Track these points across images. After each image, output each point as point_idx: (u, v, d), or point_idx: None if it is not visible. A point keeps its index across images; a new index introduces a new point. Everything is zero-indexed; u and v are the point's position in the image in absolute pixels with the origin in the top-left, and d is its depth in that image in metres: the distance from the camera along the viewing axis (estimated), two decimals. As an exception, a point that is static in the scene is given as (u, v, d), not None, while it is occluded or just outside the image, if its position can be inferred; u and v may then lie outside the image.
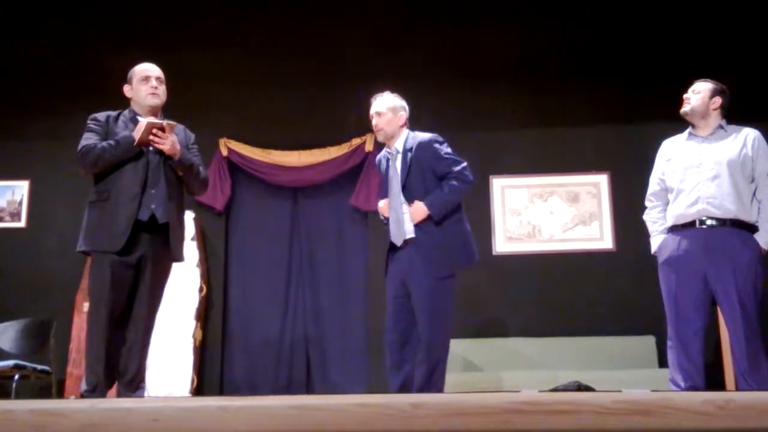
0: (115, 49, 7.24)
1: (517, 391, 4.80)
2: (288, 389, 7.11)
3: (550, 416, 1.63)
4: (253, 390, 7.07)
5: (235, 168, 7.49)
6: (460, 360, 6.77)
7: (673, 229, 4.72)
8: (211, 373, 7.11)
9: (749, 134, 4.70)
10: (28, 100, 7.53)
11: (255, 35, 7.60)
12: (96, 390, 4.21)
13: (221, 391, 7.05)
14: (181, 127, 4.63)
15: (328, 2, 7.60)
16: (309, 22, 7.60)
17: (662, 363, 6.58)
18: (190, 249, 6.98)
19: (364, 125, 7.42)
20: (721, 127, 4.74)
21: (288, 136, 7.45)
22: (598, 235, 7.15)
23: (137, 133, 4.30)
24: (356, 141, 7.40)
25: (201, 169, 4.58)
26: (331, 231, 7.51)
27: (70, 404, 1.73)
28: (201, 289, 7.05)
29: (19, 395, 5.92)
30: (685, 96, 4.83)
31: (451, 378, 6.34)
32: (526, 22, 7.48)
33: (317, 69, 7.55)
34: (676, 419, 1.62)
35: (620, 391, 1.74)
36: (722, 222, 4.56)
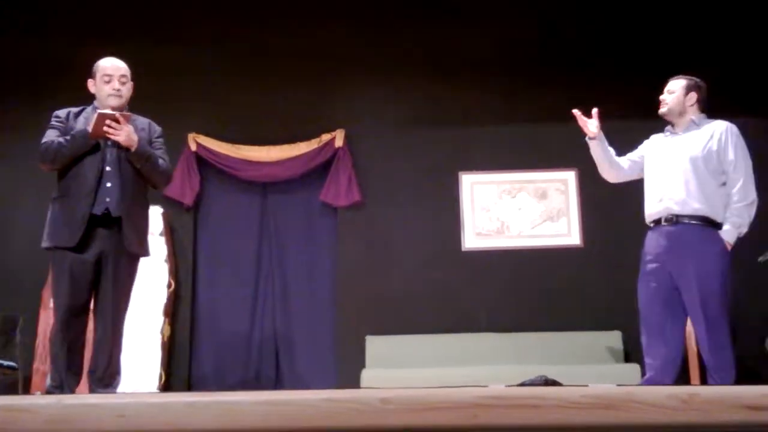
0: (82, 42, 7.17)
1: (485, 386, 4.82)
2: (257, 385, 7.09)
3: (517, 411, 1.64)
4: (222, 386, 7.04)
5: (204, 163, 7.44)
6: (429, 355, 6.79)
7: (650, 226, 4.79)
8: (179, 369, 7.08)
9: (718, 128, 4.69)
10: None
11: (225, 30, 7.59)
12: (61, 386, 4.20)
13: (189, 387, 7.02)
14: (146, 120, 4.60)
15: (298, -3, 7.59)
16: (280, 18, 7.60)
17: (628, 358, 6.65)
18: (158, 244, 6.93)
19: (333, 121, 7.45)
20: (693, 121, 4.77)
21: (257, 132, 7.42)
22: (566, 231, 7.20)
23: (91, 125, 4.28)
24: (326, 137, 7.38)
25: (161, 161, 4.53)
26: (301, 226, 7.49)
27: (36, 400, 1.72)
28: (169, 285, 7.00)
29: (-17, 392, 5.86)
30: (661, 97, 4.85)
31: (419, 372, 6.38)
32: (496, 19, 7.53)
33: (287, 64, 7.55)
34: (642, 413, 1.63)
35: (587, 386, 1.76)
36: (685, 219, 4.59)
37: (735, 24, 7.29)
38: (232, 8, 7.60)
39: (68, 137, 4.32)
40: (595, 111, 4.82)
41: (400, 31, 7.55)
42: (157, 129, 4.66)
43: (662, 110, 4.83)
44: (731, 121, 4.83)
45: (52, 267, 4.43)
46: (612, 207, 6.98)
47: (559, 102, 7.35)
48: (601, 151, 4.91)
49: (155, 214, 6.98)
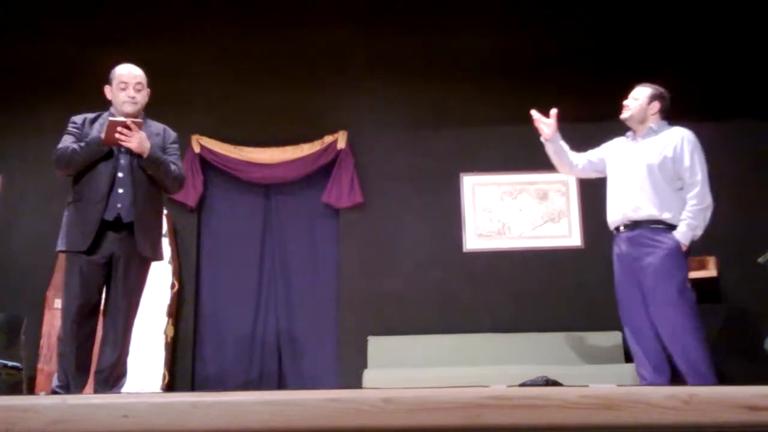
0: (89, 44, 7.20)
1: (486, 386, 4.84)
2: (260, 385, 7.10)
3: (518, 411, 1.65)
4: (225, 386, 7.06)
5: (207, 165, 7.46)
6: (430, 355, 6.80)
7: (614, 235, 4.86)
8: (183, 370, 7.09)
9: (675, 135, 4.77)
10: (0, 95, 7.46)
11: (228, 32, 7.60)
12: (67, 386, 4.23)
13: (193, 387, 7.03)
14: (161, 126, 4.65)
15: (301, 0, 7.61)
16: (281, 20, 7.61)
17: (628, 358, 6.64)
18: (162, 245, 6.95)
19: (336, 122, 7.46)
20: (651, 129, 4.82)
21: (260, 133, 7.43)
22: (566, 232, 7.20)
23: (103, 132, 4.32)
24: (328, 138, 7.39)
25: (174, 167, 4.55)
26: (303, 228, 7.50)
27: (41, 400, 1.73)
28: (173, 286, 7.02)
29: (-12, 392, 5.88)
30: (624, 102, 4.92)
31: (421, 373, 6.39)
32: (497, 21, 7.54)
33: (290, 66, 7.56)
34: (642, 413, 1.64)
35: (587, 386, 1.77)
36: (642, 224, 4.66)
37: (734, 29, 7.30)
38: (235, 10, 7.61)
39: (82, 144, 4.37)
40: (553, 112, 4.87)
41: (402, 34, 7.56)
42: (172, 135, 4.71)
43: (624, 116, 4.91)
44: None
45: (65, 269, 4.49)
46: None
47: (561, 104, 7.36)
48: (553, 151, 5.00)
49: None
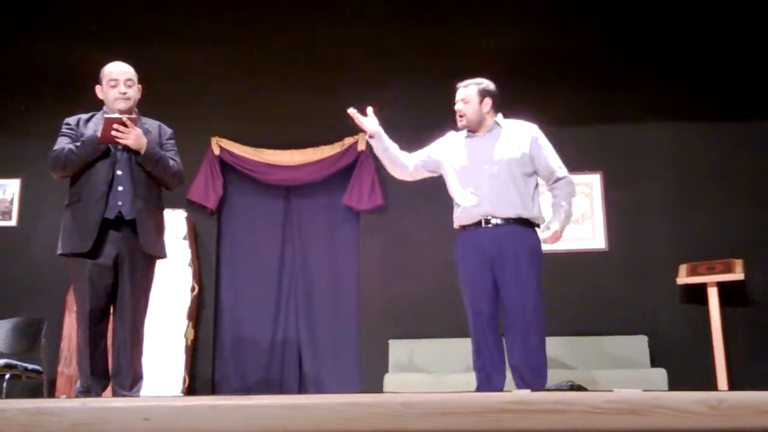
0: (108, 47, 7.22)
1: (509, 391, 4.81)
2: (280, 389, 7.10)
3: (541, 416, 1.63)
4: (245, 389, 7.06)
5: (228, 167, 7.47)
6: (453, 359, 6.76)
7: (464, 229, 4.73)
8: (203, 373, 7.10)
9: (526, 131, 4.70)
10: (21, 98, 7.51)
11: (247, 33, 7.62)
12: (89, 391, 4.22)
13: (213, 391, 7.04)
14: (156, 123, 4.62)
15: (320, 1, 7.62)
16: (301, 21, 7.62)
17: (654, 362, 6.59)
18: (182, 248, 6.97)
19: (356, 124, 7.44)
20: (496, 123, 4.73)
21: (280, 135, 7.43)
22: (590, 234, 7.14)
23: (99, 130, 4.30)
24: (349, 140, 7.38)
25: (172, 163, 4.52)
26: (324, 230, 7.49)
27: (61, 403, 1.73)
28: (193, 289, 7.03)
29: (10, 395, 5.91)
30: (456, 108, 4.75)
31: (442, 377, 6.35)
32: (517, 21, 7.50)
33: (310, 67, 7.56)
34: (668, 419, 1.62)
35: (612, 391, 1.74)
36: (500, 220, 4.58)
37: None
38: (255, 12, 7.63)
39: (78, 144, 4.35)
40: (370, 109, 4.77)
41: (421, 35, 7.54)
42: (168, 131, 4.67)
43: (461, 124, 4.75)
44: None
45: (71, 274, 4.46)
46: (637, 210, 6.94)
47: (582, 104, 7.34)
48: (382, 150, 4.85)
49: (179, 218, 7.02)
